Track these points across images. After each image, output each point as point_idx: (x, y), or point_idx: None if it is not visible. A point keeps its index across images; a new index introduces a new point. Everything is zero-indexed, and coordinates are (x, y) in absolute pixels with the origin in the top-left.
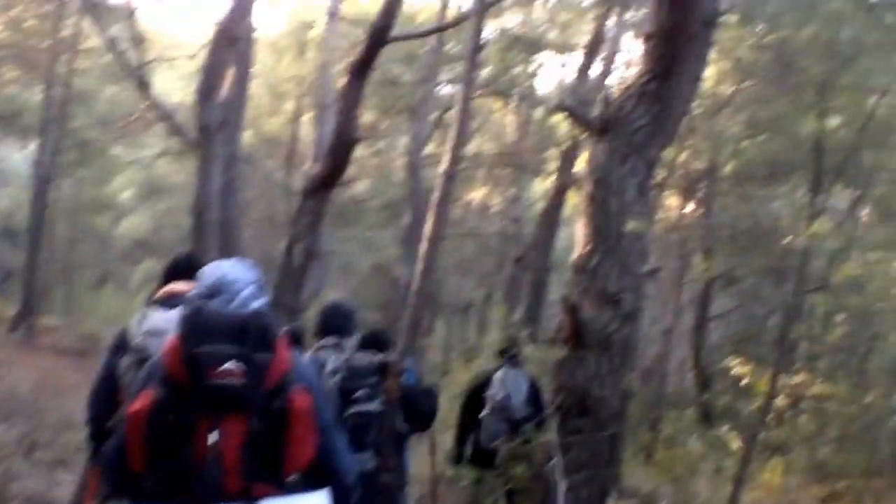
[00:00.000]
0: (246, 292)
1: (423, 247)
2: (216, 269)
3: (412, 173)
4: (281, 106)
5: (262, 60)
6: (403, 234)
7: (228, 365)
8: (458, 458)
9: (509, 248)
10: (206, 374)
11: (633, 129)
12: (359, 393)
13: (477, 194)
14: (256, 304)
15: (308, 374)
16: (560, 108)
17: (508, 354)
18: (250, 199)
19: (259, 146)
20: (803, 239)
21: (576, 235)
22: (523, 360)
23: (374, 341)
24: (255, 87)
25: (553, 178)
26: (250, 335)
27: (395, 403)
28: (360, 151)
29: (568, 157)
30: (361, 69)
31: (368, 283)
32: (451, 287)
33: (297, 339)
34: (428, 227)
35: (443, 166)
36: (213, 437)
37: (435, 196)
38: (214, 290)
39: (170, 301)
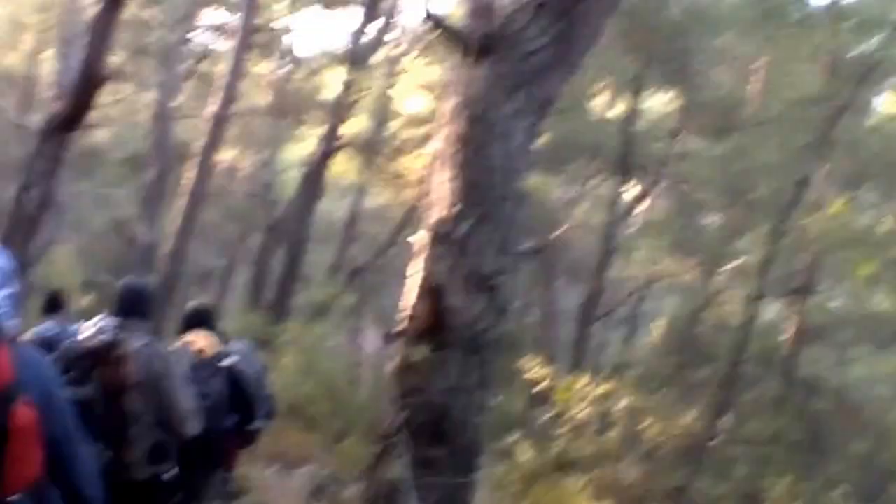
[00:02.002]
0: None
1: (184, 202)
2: None
3: (160, 124)
4: (19, 39)
5: None
6: (145, 191)
7: None
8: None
9: (257, 215)
10: None
11: (525, 53)
12: (68, 375)
13: (225, 155)
14: None
15: (38, 379)
16: (430, 18)
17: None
18: None
19: None
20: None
21: (434, 189)
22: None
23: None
24: None
25: (316, 140)
26: None
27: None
28: (102, 97)
29: (335, 119)
30: None
31: (102, 242)
32: (188, 253)
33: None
34: (190, 180)
35: (213, 107)
36: None
37: (201, 143)
38: None
39: None
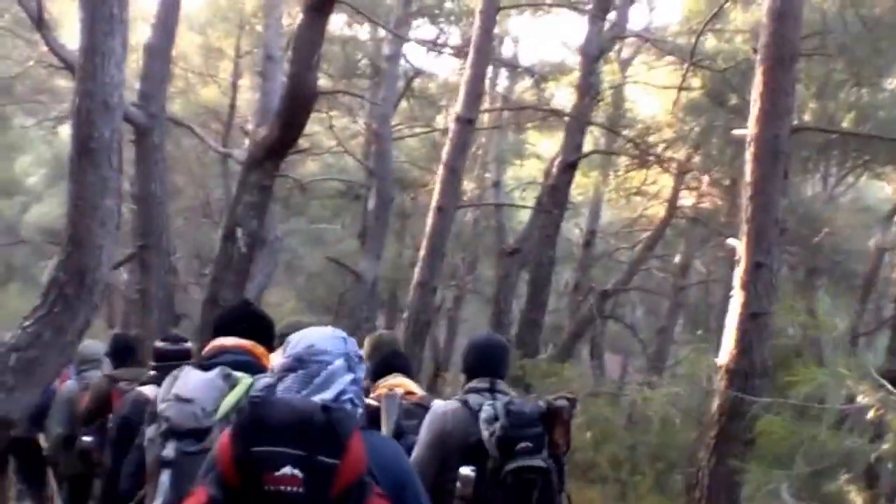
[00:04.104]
0: (334, 366)
1: (431, 219)
2: (304, 338)
3: (379, 146)
4: (215, 67)
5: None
6: (364, 223)
7: (286, 470)
8: None
9: (484, 241)
10: (260, 479)
11: None
12: (521, 445)
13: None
14: (340, 384)
15: (389, 467)
16: None
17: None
18: (180, 183)
19: (190, 119)
20: None
21: None
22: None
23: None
24: (184, 46)
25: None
26: (314, 434)
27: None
28: (309, 126)
29: (575, 130)
30: (322, 3)
31: (318, 281)
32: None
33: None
34: (437, 193)
35: (458, 108)
36: None
37: (446, 150)
38: (298, 363)
39: (213, 359)
